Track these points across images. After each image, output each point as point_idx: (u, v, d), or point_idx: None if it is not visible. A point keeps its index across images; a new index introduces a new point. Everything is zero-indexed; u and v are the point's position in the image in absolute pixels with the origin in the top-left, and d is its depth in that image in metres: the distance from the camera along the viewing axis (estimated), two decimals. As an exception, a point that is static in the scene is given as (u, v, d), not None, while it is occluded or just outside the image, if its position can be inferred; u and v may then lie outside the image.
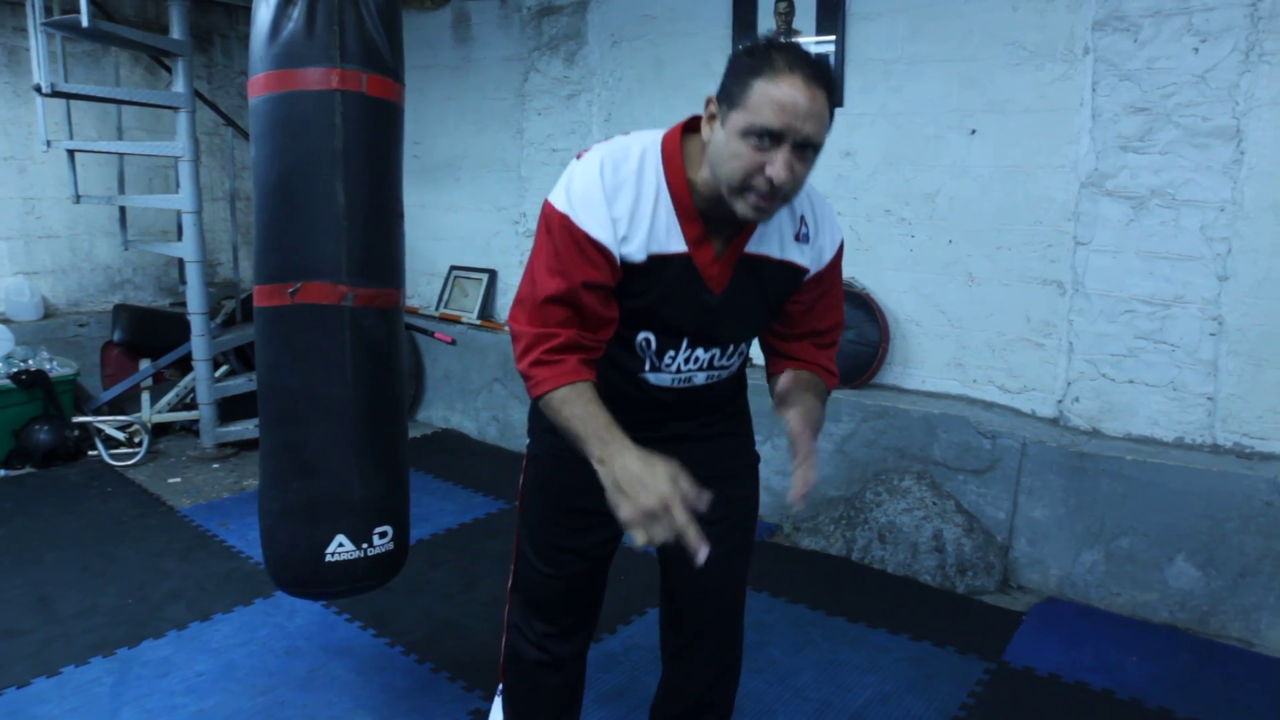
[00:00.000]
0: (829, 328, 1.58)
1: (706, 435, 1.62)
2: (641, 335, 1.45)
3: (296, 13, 1.68)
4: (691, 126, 1.40)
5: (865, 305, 3.37)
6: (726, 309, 1.45)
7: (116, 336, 4.54)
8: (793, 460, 1.33)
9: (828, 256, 1.50)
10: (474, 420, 4.70)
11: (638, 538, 1.15)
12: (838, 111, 3.69)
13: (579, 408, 1.31)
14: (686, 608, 1.69)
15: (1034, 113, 3.04)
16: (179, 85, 3.85)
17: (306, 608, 2.76)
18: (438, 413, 4.89)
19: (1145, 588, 2.80)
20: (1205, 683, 2.44)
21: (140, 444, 4.16)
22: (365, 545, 1.76)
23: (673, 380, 1.51)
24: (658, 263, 1.37)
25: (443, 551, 3.23)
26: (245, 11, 4.65)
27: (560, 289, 1.33)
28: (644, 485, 1.16)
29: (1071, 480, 2.91)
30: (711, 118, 1.31)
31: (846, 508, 3.29)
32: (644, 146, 1.38)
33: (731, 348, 1.52)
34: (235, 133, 4.63)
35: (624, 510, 1.17)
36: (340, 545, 1.73)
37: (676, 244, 1.37)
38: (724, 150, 1.27)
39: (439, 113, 4.87)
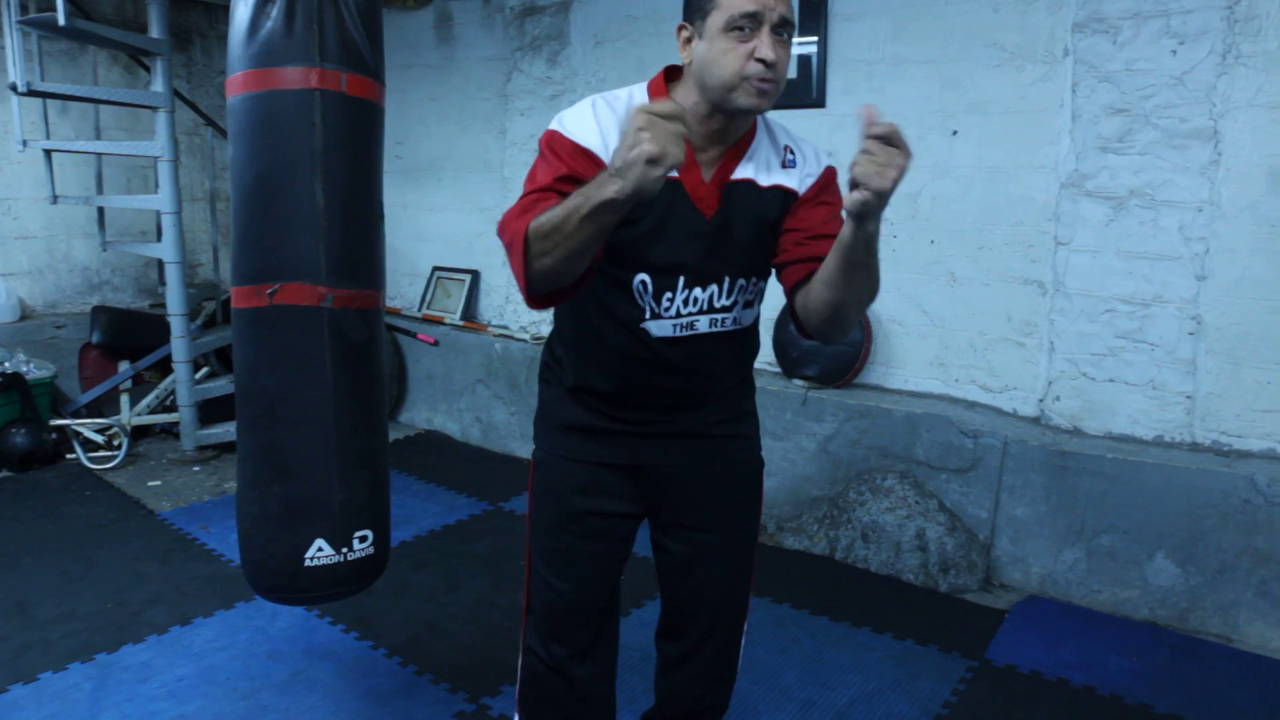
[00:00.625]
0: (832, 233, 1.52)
1: (716, 434, 1.61)
2: (638, 277, 1.43)
3: (275, 11, 1.66)
4: (672, 76, 1.47)
5: (848, 305, 3.37)
6: (718, 236, 1.43)
7: (95, 338, 4.49)
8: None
9: (816, 173, 1.50)
10: (457, 421, 4.68)
11: (658, 157, 1.09)
12: (820, 113, 3.68)
13: (559, 203, 1.24)
14: (690, 617, 1.68)
15: (1015, 114, 3.06)
16: (158, 84, 3.82)
17: (289, 611, 2.74)
18: (420, 414, 4.87)
19: (1126, 585, 2.82)
20: (1185, 679, 2.46)
21: (119, 447, 4.12)
22: (345, 549, 1.74)
23: (675, 328, 1.47)
24: None
25: (426, 553, 3.21)
26: (225, 10, 4.61)
27: (547, 180, 1.35)
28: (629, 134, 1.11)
29: (1053, 479, 2.92)
30: (687, 41, 1.38)
31: (830, 507, 3.30)
32: (631, 89, 1.47)
33: (728, 282, 1.47)
34: (215, 132, 4.59)
35: (644, 145, 1.09)
36: (320, 549, 1.71)
37: None
38: (711, 55, 1.33)
39: (421, 113, 4.85)
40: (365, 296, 1.77)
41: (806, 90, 3.47)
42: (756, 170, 1.46)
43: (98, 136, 4.38)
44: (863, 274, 1.32)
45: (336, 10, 1.69)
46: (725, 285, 1.47)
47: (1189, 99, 2.72)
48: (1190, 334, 2.81)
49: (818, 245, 1.42)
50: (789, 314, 1.53)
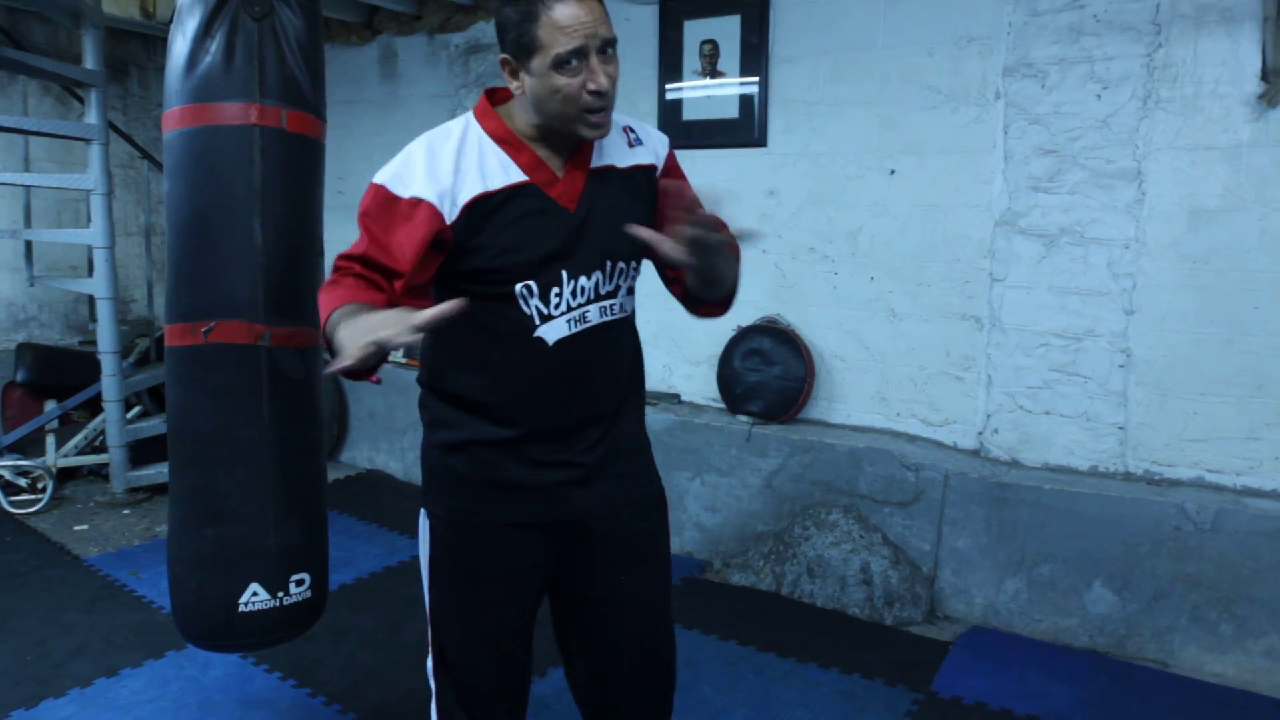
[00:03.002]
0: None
1: (621, 473, 1.56)
2: (519, 286, 1.40)
3: (214, 45, 1.64)
4: (495, 99, 1.46)
5: (790, 341, 3.41)
6: (588, 223, 1.43)
7: (20, 376, 4.32)
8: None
9: (663, 152, 1.55)
10: (399, 460, 4.60)
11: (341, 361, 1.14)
12: (762, 152, 3.76)
13: (341, 307, 1.26)
14: (612, 653, 1.61)
15: (950, 154, 3.15)
16: (92, 116, 3.74)
17: (222, 659, 2.65)
18: (362, 453, 4.78)
19: (1065, 613, 2.87)
20: (1124, 705, 2.50)
21: (44, 490, 3.96)
22: (281, 594, 1.69)
23: (569, 324, 1.43)
24: (501, 197, 1.38)
25: (366, 596, 3.13)
26: (164, 43, 4.54)
27: (366, 250, 1.35)
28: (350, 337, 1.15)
29: (993, 510, 2.97)
30: (514, 73, 1.37)
31: (775, 542, 3.31)
32: (457, 121, 1.45)
33: (609, 266, 1.46)
34: (151, 166, 4.50)
35: (343, 361, 1.14)
36: (255, 594, 1.66)
37: (514, 175, 1.39)
38: (543, 92, 1.33)
39: (365, 149, 4.81)
40: (304, 334, 1.74)
41: (748, 130, 3.53)
42: (611, 156, 1.48)
43: (27, 168, 4.26)
44: (727, 275, 1.45)
45: (277, 45, 1.68)
46: (606, 270, 1.46)
47: (1114, 141, 2.84)
48: (1121, 366, 2.90)
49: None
50: (682, 296, 1.57)
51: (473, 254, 1.38)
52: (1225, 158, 2.70)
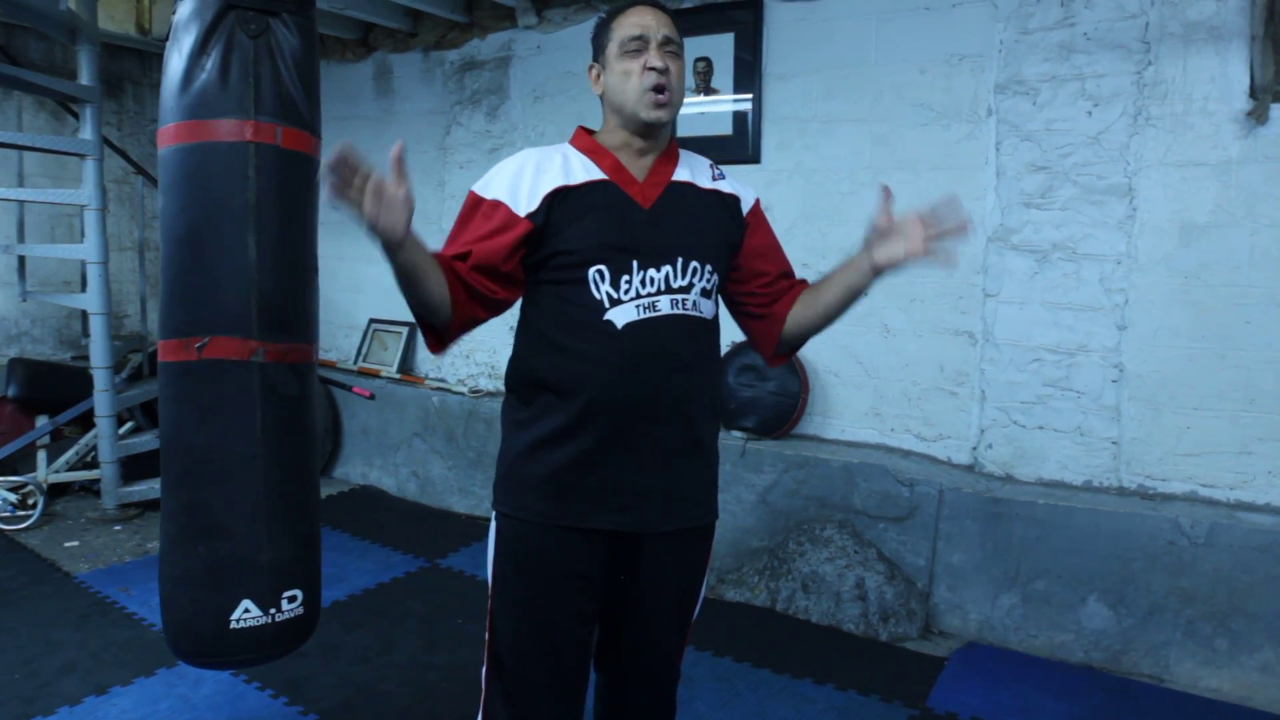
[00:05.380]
0: (790, 269, 1.72)
1: (687, 496, 1.59)
2: (593, 269, 1.49)
3: (210, 63, 1.64)
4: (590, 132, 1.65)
5: (786, 355, 3.41)
6: (658, 221, 1.54)
7: (11, 392, 4.31)
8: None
9: (750, 196, 1.70)
10: (393, 476, 4.58)
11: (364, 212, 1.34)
12: (755, 168, 3.79)
13: None
14: (631, 685, 1.67)
15: (942, 170, 3.17)
16: (87, 132, 3.74)
17: (213, 677, 2.62)
18: (355, 469, 4.76)
19: (1061, 629, 2.86)
20: (1120, 722, 2.49)
21: (34, 506, 3.94)
22: (273, 610, 1.68)
23: (638, 309, 1.49)
24: (579, 190, 1.52)
25: (359, 613, 3.12)
26: (159, 59, 4.55)
27: (449, 251, 1.52)
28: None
29: (987, 525, 2.97)
30: (596, 77, 1.60)
31: (770, 558, 3.30)
32: (560, 146, 1.62)
33: (681, 263, 1.52)
34: (146, 181, 4.50)
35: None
36: (247, 610, 1.65)
37: (595, 174, 1.55)
38: (614, 79, 1.54)
39: (359, 164, 4.81)
40: (298, 350, 1.74)
41: (742, 146, 3.55)
42: (693, 176, 1.62)
43: (21, 183, 4.26)
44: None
45: (273, 62, 1.68)
46: (678, 266, 1.53)
47: (1105, 157, 2.86)
48: (1114, 381, 2.91)
49: (781, 285, 1.68)
50: (770, 355, 1.71)
51: (551, 239, 1.51)
52: (1215, 174, 2.72)
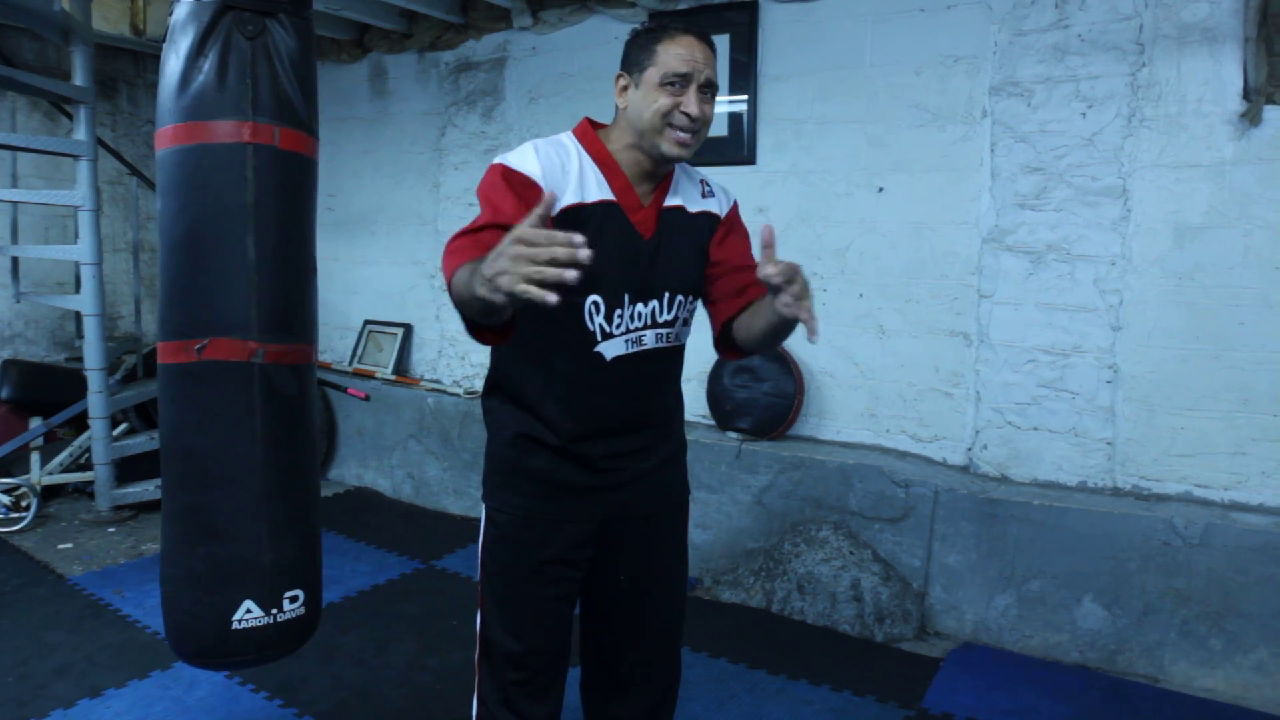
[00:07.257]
0: (753, 263, 1.67)
1: (664, 479, 1.70)
2: (590, 299, 1.52)
3: (207, 64, 1.64)
4: (596, 126, 1.62)
5: (780, 358, 3.42)
6: (658, 254, 1.57)
7: (4, 393, 4.29)
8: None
9: (728, 205, 1.71)
10: (388, 478, 4.58)
11: (520, 289, 1.10)
12: (751, 169, 3.79)
13: (473, 260, 1.27)
14: (625, 647, 1.72)
15: (938, 171, 3.18)
16: (80, 133, 3.73)
17: (207, 679, 2.62)
18: (350, 470, 4.76)
19: (1056, 629, 2.87)
20: (1115, 722, 2.50)
21: (28, 508, 3.92)
22: (275, 611, 1.67)
23: (626, 344, 1.56)
24: (589, 210, 1.51)
25: (354, 615, 3.11)
26: (154, 60, 4.55)
27: (487, 219, 1.43)
28: (499, 250, 1.14)
29: (982, 526, 2.98)
30: (624, 89, 1.55)
31: (765, 559, 3.30)
32: (561, 134, 1.59)
33: (668, 298, 1.59)
34: (140, 182, 4.48)
35: (498, 274, 1.12)
36: (248, 611, 1.64)
37: (604, 193, 1.53)
38: (643, 104, 1.50)
39: (355, 166, 4.82)
40: (297, 351, 1.74)
41: (738, 147, 3.55)
42: (684, 199, 1.63)
43: (14, 184, 4.24)
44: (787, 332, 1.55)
45: (270, 64, 1.68)
46: (665, 300, 1.59)
47: (1099, 158, 2.87)
48: (1108, 382, 2.92)
49: (740, 277, 1.64)
50: (717, 338, 1.70)
51: None
52: (1209, 175, 2.74)
